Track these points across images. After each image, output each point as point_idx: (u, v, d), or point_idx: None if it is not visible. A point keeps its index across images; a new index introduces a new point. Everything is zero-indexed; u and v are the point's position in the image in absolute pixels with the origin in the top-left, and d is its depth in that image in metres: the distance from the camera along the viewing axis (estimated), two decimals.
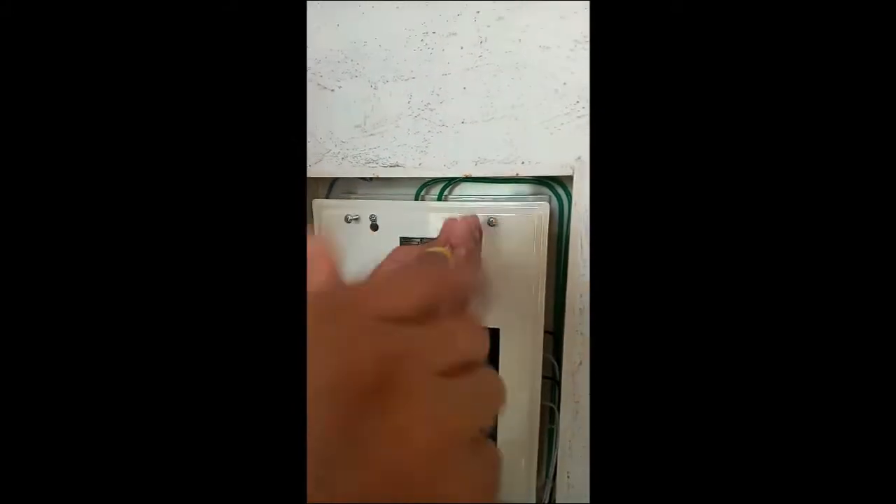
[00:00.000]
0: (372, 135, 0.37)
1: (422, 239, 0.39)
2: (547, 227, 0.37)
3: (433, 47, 0.35)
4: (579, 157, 0.33)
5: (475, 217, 0.34)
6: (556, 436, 0.39)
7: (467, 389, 0.13)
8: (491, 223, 0.37)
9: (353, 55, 0.36)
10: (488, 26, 0.34)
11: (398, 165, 0.37)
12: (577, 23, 0.32)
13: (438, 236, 0.33)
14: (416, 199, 0.43)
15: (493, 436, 0.41)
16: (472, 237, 0.32)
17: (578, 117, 0.33)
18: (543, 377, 0.40)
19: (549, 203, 0.40)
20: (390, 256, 0.31)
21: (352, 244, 0.41)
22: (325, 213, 0.41)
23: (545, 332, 0.39)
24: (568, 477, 0.38)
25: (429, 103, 0.35)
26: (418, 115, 0.36)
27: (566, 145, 0.34)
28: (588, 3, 0.32)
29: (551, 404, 0.43)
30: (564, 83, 0.33)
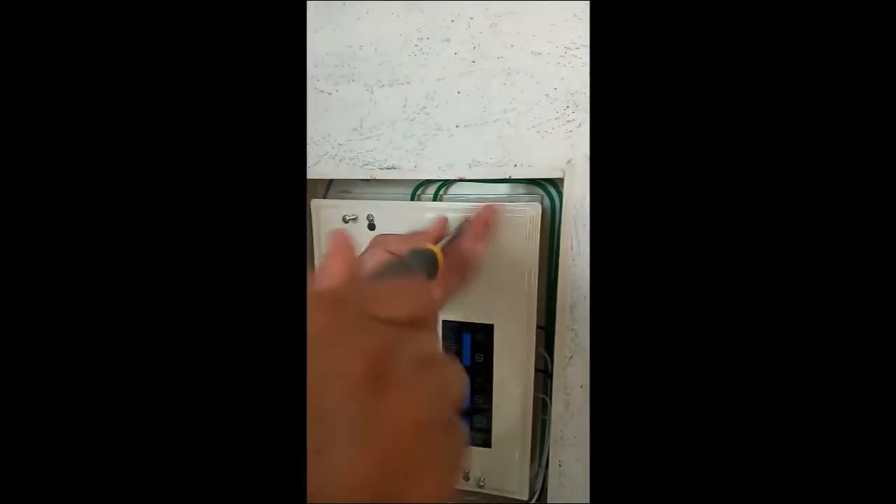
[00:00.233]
0: (368, 137, 0.38)
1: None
2: (539, 226, 0.38)
3: (428, 52, 0.36)
4: (569, 161, 0.35)
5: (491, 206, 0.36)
6: (549, 426, 0.40)
7: (439, 380, 0.16)
8: (468, 219, 0.38)
9: (349, 60, 0.37)
10: (481, 32, 0.35)
11: (394, 167, 0.38)
12: (568, 30, 0.33)
13: (427, 230, 0.34)
14: (412, 198, 0.44)
15: (488, 427, 0.43)
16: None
17: (569, 121, 0.34)
18: (536, 370, 0.41)
19: (542, 202, 0.41)
20: (371, 245, 0.32)
21: None
22: (324, 213, 0.42)
23: (538, 327, 0.41)
24: (560, 465, 0.39)
25: (424, 107, 0.36)
26: (414, 118, 0.37)
27: (557, 149, 0.35)
28: (579, 11, 0.33)
29: (544, 396, 0.44)
30: (555, 88, 0.34)
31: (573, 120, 0.34)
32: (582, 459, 0.39)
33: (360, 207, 0.41)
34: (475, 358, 0.42)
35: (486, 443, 0.43)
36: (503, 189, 0.44)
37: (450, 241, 0.32)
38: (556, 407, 0.38)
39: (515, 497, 0.44)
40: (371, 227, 0.41)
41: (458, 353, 0.42)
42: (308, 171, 0.39)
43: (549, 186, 0.42)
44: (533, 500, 0.44)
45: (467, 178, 0.37)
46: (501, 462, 0.43)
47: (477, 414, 0.43)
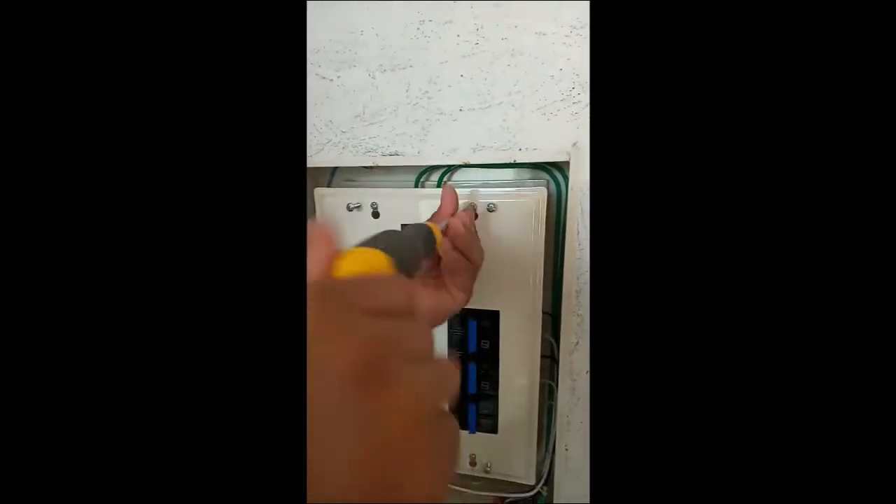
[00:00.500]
0: (371, 124, 0.37)
1: None
2: (544, 211, 0.38)
3: (430, 35, 0.35)
4: (575, 143, 0.34)
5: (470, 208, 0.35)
6: (555, 411, 0.40)
7: (433, 373, 0.16)
8: (490, 209, 0.38)
9: (350, 45, 0.36)
10: (485, 13, 0.34)
11: (397, 154, 0.38)
12: (573, 9, 0.32)
13: (439, 209, 0.33)
14: (417, 185, 0.44)
15: (494, 413, 0.43)
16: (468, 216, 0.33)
17: (574, 103, 0.34)
18: (542, 356, 0.41)
19: (548, 187, 0.41)
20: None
21: (354, 231, 0.42)
22: (327, 201, 0.42)
23: (543, 312, 0.40)
24: (566, 450, 0.39)
25: (426, 91, 0.36)
26: (416, 103, 0.36)
27: (562, 131, 0.34)
28: None
29: (550, 382, 0.44)
30: (560, 69, 0.33)
31: (579, 101, 0.34)
32: (588, 444, 0.39)
33: (363, 195, 0.41)
34: (481, 344, 0.42)
35: (493, 429, 0.43)
36: (508, 174, 0.43)
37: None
38: (562, 392, 0.38)
39: (522, 482, 0.44)
40: (375, 214, 0.41)
41: (464, 340, 0.42)
42: (311, 159, 0.39)
43: (554, 171, 0.42)
44: (539, 485, 0.44)
45: (471, 163, 0.37)
46: (508, 447, 0.43)
47: (483, 400, 0.43)
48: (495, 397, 0.42)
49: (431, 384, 0.15)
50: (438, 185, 0.44)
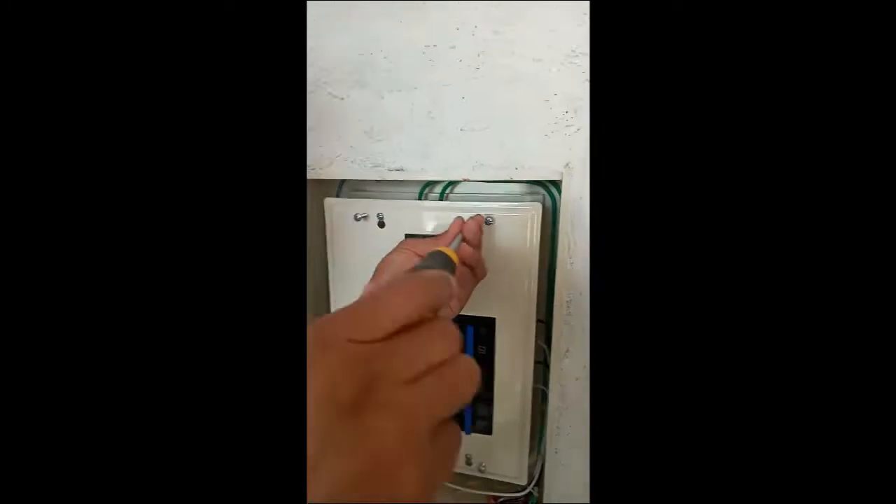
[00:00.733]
0: (378, 140, 0.40)
1: (425, 236, 0.42)
2: (539, 224, 0.40)
3: (434, 59, 0.38)
4: (568, 164, 0.36)
5: (480, 217, 0.38)
6: (546, 416, 0.42)
7: (435, 387, 0.16)
8: (488, 222, 0.40)
9: (360, 67, 0.39)
10: (485, 40, 0.36)
11: (402, 169, 0.40)
12: (568, 37, 0.35)
13: (447, 232, 0.36)
14: (420, 197, 0.47)
15: (490, 416, 0.45)
16: (479, 234, 0.37)
17: (567, 126, 0.36)
18: (536, 362, 0.43)
19: (544, 202, 0.43)
20: (400, 245, 0.35)
21: (361, 240, 0.44)
22: (336, 210, 0.45)
23: (538, 320, 0.43)
24: (556, 452, 0.41)
25: (430, 111, 0.38)
26: (421, 122, 0.39)
27: (556, 152, 0.37)
28: (580, 18, 0.34)
29: (543, 387, 0.46)
30: (555, 94, 0.36)
31: (572, 125, 0.36)
32: (577, 447, 0.41)
33: (370, 206, 0.43)
34: (478, 350, 0.44)
35: (488, 430, 0.45)
36: (508, 188, 0.45)
37: (458, 245, 0.35)
38: (553, 397, 0.40)
39: (514, 482, 0.46)
40: (381, 224, 0.44)
41: (462, 346, 0.44)
42: (322, 171, 0.42)
43: (551, 187, 0.44)
44: (531, 486, 0.46)
45: (471, 179, 0.39)
46: (502, 449, 0.45)
47: (479, 402, 0.45)
48: (491, 400, 0.45)
49: (429, 402, 0.16)
50: (441, 198, 0.46)
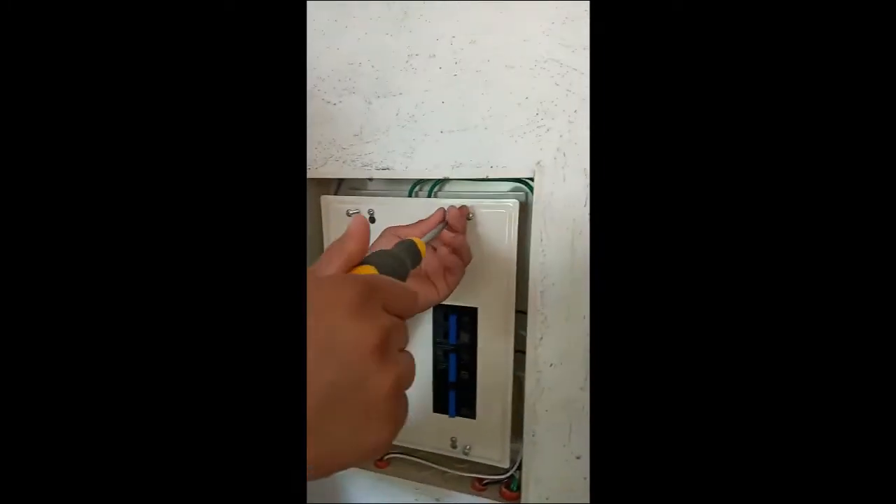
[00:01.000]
0: (367, 142, 0.44)
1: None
2: (516, 219, 0.42)
3: (417, 67, 0.41)
4: (539, 162, 0.39)
5: (464, 207, 0.41)
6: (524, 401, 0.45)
7: (406, 362, 0.22)
8: (469, 217, 0.43)
9: (350, 75, 0.43)
10: (462, 49, 0.39)
11: (389, 168, 0.43)
12: (538, 46, 0.37)
13: (429, 218, 0.39)
14: (410, 195, 0.50)
15: (473, 400, 0.48)
16: (463, 220, 0.40)
17: (538, 127, 0.38)
18: (516, 350, 0.46)
19: (527, 198, 0.46)
20: (382, 234, 0.38)
21: None
22: (332, 206, 0.48)
23: (517, 311, 0.45)
24: (533, 436, 0.44)
25: (413, 115, 0.42)
26: (405, 125, 0.42)
27: (528, 151, 0.39)
28: (549, 27, 0.37)
29: (521, 374, 0.49)
30: (527, 98, 0.38)
31: (542, 125, 0.38)
32: (553, 430, 0.43)
33: (362, 203, 0.47)
34: (461, 338, 0.47)
35: (472, 415, 0.48)
36: (494, 186, 0.48)
37: (440, 231, 0.38)
38: (529, 383, 0.43)
39: (497, 465, 0.48)
40: (371, 220, 0.47)
41: (446, 333, 0.47)
42: (316, 171, 0.46)
43: (532, 183, 0.46)
44: (513, 469, 0.48)
45: (451, 177, 0.42)
46: (485, 432, 0.48)
47: (462, 388, 0.48)
48: (473, 385, 0.47)
49: (408, 370, 0.22)
50: (429, 195, 0.49)
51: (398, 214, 0.46)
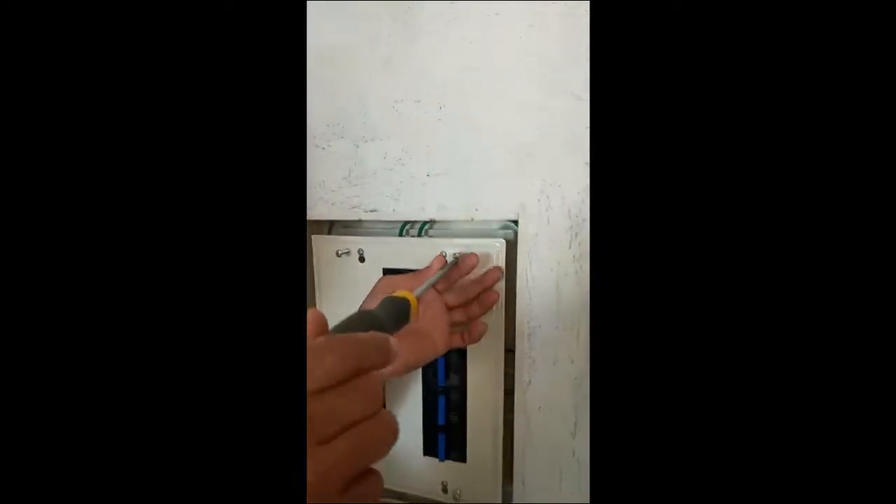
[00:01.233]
0: (355, 185, 0.44)
1: (403, 270, 0.45)
2: (503, 258, 0.42)
3: (403, 113, 0.42)
4: (523, 204, 0.39)
5: (474, 256, 0.41)
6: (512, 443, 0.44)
7: (349, 444, 0.17)
8: (455, 256, 0.43)
9: (339, 120, 0.44)
10: (446, 94, 0.40)
11: (376, 210, 0.44)
12: (520, 90, 0.38)
13: (428, 268, 0.39)
14: (400, 234, 0.50)
15: (463, 443, 0.46)
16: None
17: (521, 170, 0.39)
18: (506, 391, 0.45)
19: (515, 236, 0.45)
20: (375, 286, 0.38)
21: (343, 274, 0.48)
22: (322, 246, 0.49)
23: (506, 350, 0.44)
24: (524, 484, 0.43)
25: (400, 159, 0.42)
26: (392, 168, 0.43)
27: (512, 194, 0.39)
28: (532, 70, 0.37)
29: (511, 416, 0.48)
30: (510, 141, 0.39)
31: (526, 168, 0.39)
32: (543, 475, 0.42)
33: (352, 243, 0.47)
34: (450, 379, 0.46)
35: (462, 458, 0.47)
36: (483, 224, 0.48)
37: (438, 279, 0.38)
38: (518, 427, 0.42)
39: None
40: (361, 259, 0.47)
41: (434, 374, 0.46)
42: (308, 213, 0.46)
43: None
44: None
45: (437, 219, 0.43)
46: (476, 476, 0.47)
47: (452, 431, 0.47)
48: (463, 428, 0.46)
49: (340, 460, 0.17)
50: (419, 235, 0.49)
51: (388, 254, 0.46)
